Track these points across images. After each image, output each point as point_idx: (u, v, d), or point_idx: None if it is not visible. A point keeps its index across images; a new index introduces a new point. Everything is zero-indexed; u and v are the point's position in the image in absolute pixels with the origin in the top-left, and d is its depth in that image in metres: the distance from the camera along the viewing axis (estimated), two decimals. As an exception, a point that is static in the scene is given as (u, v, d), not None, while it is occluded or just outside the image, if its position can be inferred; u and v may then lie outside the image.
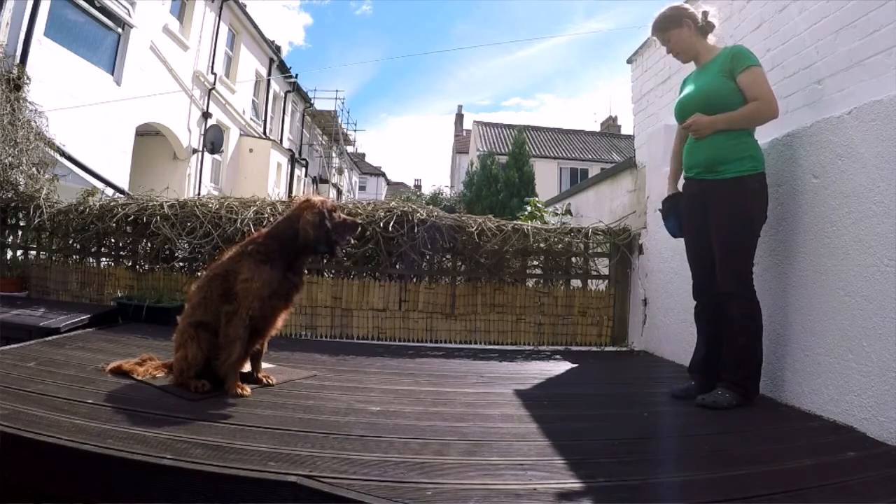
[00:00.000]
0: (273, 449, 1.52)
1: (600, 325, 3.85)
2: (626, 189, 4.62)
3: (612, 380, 2.98)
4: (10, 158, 4.46)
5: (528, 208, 6.59)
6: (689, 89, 2.40)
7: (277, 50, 15.49)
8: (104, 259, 4.16)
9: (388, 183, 41.27)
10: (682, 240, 2.50)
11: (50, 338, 2.94)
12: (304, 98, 18.15)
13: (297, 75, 16.24)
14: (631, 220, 4.11)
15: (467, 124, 30.13)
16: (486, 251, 3.78)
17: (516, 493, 1.32)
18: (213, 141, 10.57)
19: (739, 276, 2.18)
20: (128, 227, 4.01)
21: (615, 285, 3.89)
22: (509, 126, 23.83)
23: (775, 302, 2.34)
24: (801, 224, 2.25)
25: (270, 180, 12.71)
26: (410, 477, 1.38)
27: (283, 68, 15.43)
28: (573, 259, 4.00)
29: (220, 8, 11.20)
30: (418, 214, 3.76)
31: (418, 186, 40.46)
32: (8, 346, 2.64)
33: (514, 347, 3.73)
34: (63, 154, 5.37)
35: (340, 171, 23.33)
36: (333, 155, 21.83)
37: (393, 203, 3.92)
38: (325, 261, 3.77)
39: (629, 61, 4.58)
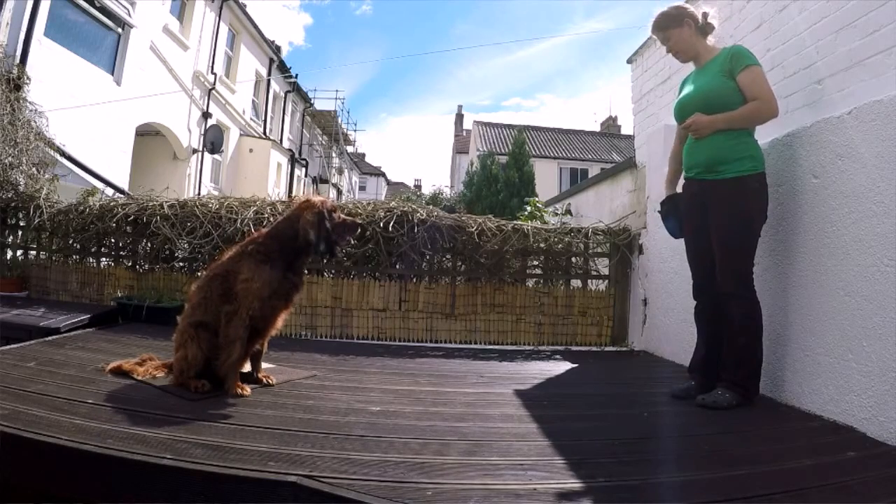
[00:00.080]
0: (273, 449, 1.52)
1: (600, 325, 3.85)
2: (626, 189, 4.62)
3: (612, 380, 2.98)
4: (10, 158, 4.46)
5: (528, 208, 6.59)
6: (688, 89, 2.40)
7: (277, 50, 15.50)
8: (104, 259, 4.16)
9: (388, 183, 41.27)
10: (682, 240, 2.50)
11: (50, 338, 2.94)
12: (304, 98, 18.15)
13: (297, 75, 16.26)
14: (631, 220, 4.11)
15: (467, 124, 30.14)
16: (486, 251, 3.78)
17: (516, 493, 1.32)
18: (213, 141, 10.57)
19: (739, 276, 2.18)
20: (128, 227, 4.01)
21: (615, 285, 3.89)
22: (509, 126, 23.83)
23: (775, 302, 2.34)
24: (801, 224, 2.25)
25: (270, 180, 12.71)
26: (410, 477, 1.38)
27: (283, 68, 15.43)
28: (573, 259, 4.00)
29: (220, 8, 11.21)
30: (418, 214, 3.76)
31: (418, 186, 40.47)
32: (8, 346, 2.64)
33: (514, 347, 3.73)
34: (63, 154, 5.37)
35: (340, 171, 23.33)
36: (333, 155, 21.83)
37: (393, 203, 3.92)
38: (325, 261, 3.77)
39: (629, 61, 4.58)
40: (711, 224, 2.25)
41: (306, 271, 3.17)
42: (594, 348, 3.79)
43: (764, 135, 2.35)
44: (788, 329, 2.27)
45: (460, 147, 28.74)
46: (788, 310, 2.28)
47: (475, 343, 3.76)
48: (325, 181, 20.30)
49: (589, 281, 3.97)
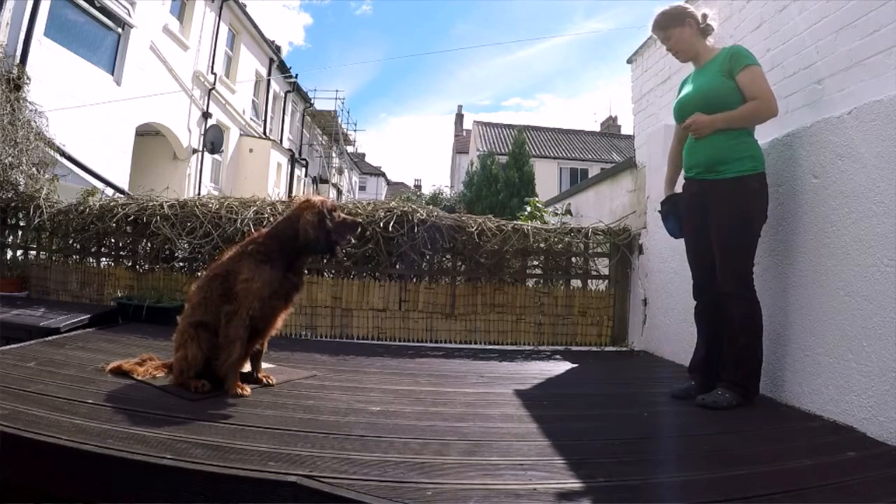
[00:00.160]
0: (273, 449, 1.52)
1: (600, 325, 3.85)
2: (626, 189, 4.61)
3: (612, 380, 2.98)
4: (10, 158, 4.46)
5: (528, 208, 6.58)
6: (687, 89, 2.40)
7: (277, 50, 15.50)
8: (104, 259, 4.16)
9: (388, 183, 41.27)
10: (682, 240, 2.50)
11: (50, 338, 2.94)
12: (304, 98, 18.15)
13: (297, 75, 16.25)
14: (631, 220, 4.11)
15: (467, 124, 30.14)
16: (486, 251, 3.78)
17: (516, 493, 1.32)
18: (213, 141, 10.57)
19: (739, 276, 2.18)
20: (128, 227, 4.01)
21: (615, 285, 3.89)
22: (509, 126, 23.83)
23: (775, 302, 2.34)
24: (801, 224, 2.25)
25: (270, 180, 12.71)
26: (410, 477, 1.38)
27: (283, 68, 15.43)
28: (573, 259, 4.00)
29: (220, 8, 11.21)
30: (418, 214, 3.76)
31: (418, 186, 40.48)
32: (8, 346, 2.64)
33: (514, 347, 3.73)
34: (63, 154, 5.37)
35: (340, 171, 23.33)
36: (333, 155, 21.83)
37: (393, 203, 3.92)
38: (325, 261, 3.77)
39: (629, 61, 4.57)
40: (711, 224, 2.25)
41: (306, 271, 3.17)
42: (594, 348, 3.79)
43: (764, 135, 2.35)
44: (788, 329, 2.27)
45: (460, 147, 28.75)
46: (788, 310, 2.28)
47: (475, 343, 3.76)
48: (325, 181, 20.30)
49: (589, 281, 3.97)
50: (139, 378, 2.17)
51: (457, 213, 4.32)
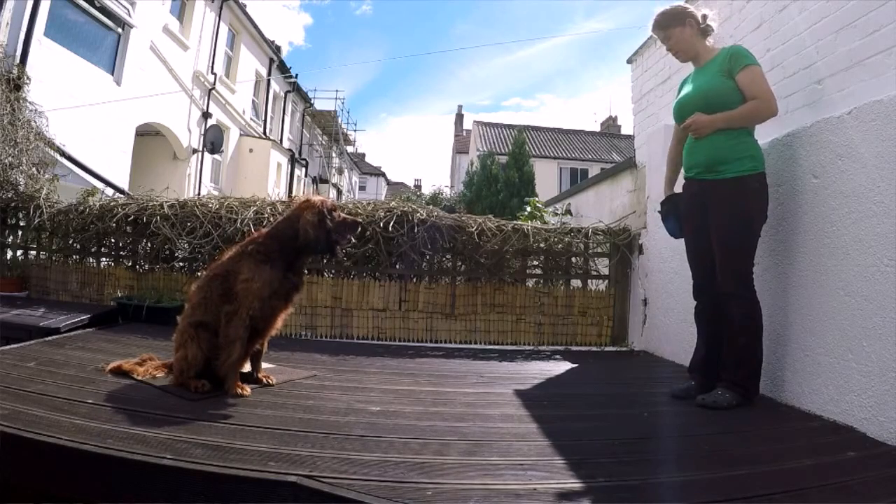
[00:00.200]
0: (273, 449, 1.52)
1: (600, 325, 3.85)
2: (626, 189, 4.61)
3: (612, 380, 2.98)
4: (10, 158, 4.46)
5: (528, 208, 6.58)
6: (687, 89, 2.40)
7: (277, 50, 15.49)
8: (104, 259, 4.16)
9: (388, 183, 41.27)
10: (682, 240, 2.50)
11: (50, 338, 2.94)
12: (304, 98, 18.15)
13: (297, 75, 16.25)
14: (631, 220, 4.11)
15: (467, 124, 30.14)
16: (486, 251, 3.78)
17: (516, 493, 1.32)
18: (213, 141, 10.57)
19: (739, 276, 2.18)
20: (128, 227, 4.01)
21: (615, 285, 3.89)
22: (509, 126, 23.83)
23: (775, 302, 2.34)
24: (801, 224, 2.25)
25: (270, 180, 12.71)
26: (410, 477, 1.38)
27: (283, 68, 15.43)
28: (573, 259, 4.00)
29: (220, 8, 11.20)
30: (418, 214, 3.76)
31: (418, 186, 40.47)
32: (8, 346, 2.64)
33: (514, 347, 3.73)
34: (63, 154, 5.37)
35: (340, 171, 23.33)
36: (333, 155, 21.83)
37: (393, 203, 3.92)
38: (325, 261, 3.77)
39: (629, 61, 4.57)
40: (711, 224, 2.25)
41: (306, 271, 3.17)
42: (594, 348, 3.79)
43: (764, 135, 2.35)
44: (788, 329, 2.27)
45: (460, 147, 28.74)
46: (788, 310, 2.28)
47: (475, 343, 3.76)
48: (325, 181, 20.30)
49: (589, 281, 3.97)
50: (139, 378, 2.17)
51: (457, 213, 4.32)
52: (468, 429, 1.83)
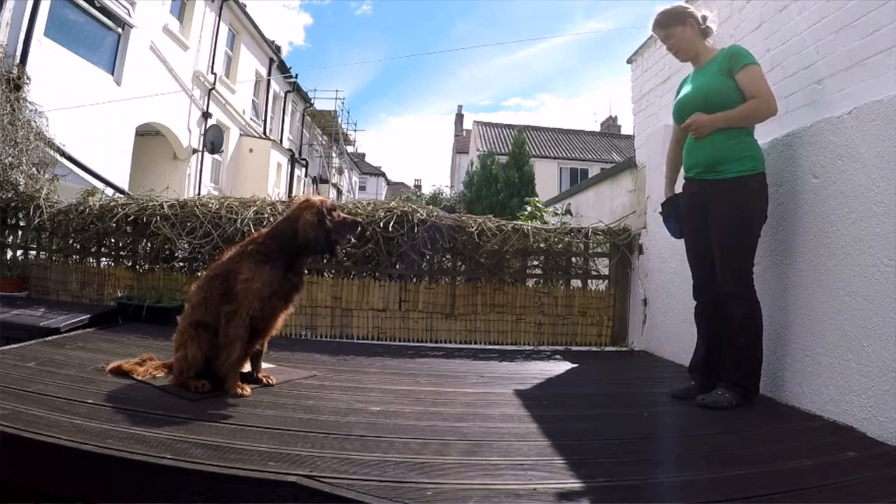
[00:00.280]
0: (273, 449, 1.52)
1: (600, 325, 3.85)
2: (626, 189, 4.61)
3: (612, 380, 2.98)
4: (10, 158, 4.46)
5: (528, 208, 6.58)
6: (687, 89, 2.40)
7: (277, 50, 15.49)
8: (104, 259, 4.16)
9: (388, 183, 41.27)
10: (682, 240, 2.50)
11: (50, 338, 2.94)
12: (304, 98, 18.15)
13: (297, 75, 16.25)
14: (631, 220, 4.11)
15: (467, 124, 30.14)
16: (486, 251, 3.78)
17: (516, 493, 1.32)
18: (213, 141, 10.57)
19: (739, 276, 2.18)
20: (128, 227, 4.01)
21: (615, 285, 3.89)
22: (509, 126, 23.83)
23: (775, 302, 2.34)
24: (801, 224, 2.25)
25: (270, 180, 12.71)
26: (410, 477, 1.38)
27: (283, 68, 15.43)
28: (573, 259, 4.00)
29: (220, 8, 11.20)
30: (418, 214, 3.76)
31: (418, 186, 40.48)
32: (8, 346, 2.64)
33: (514, 347, 3.73)
34: (63, 154, 5.37)
35: (340, 171, 23.33)
36: (333, 155, 21.83)
37: (393, 203, 3.92)
38: (325, 261, 3.77)
39: (629, 61, 4.57)
40: (711, 224, 2.25)
41: (306, 271, 3.18)
42: (594, 348, 3.79)
43: (764, 135, 2.35)
44: (788, 329, 2.27)
45: (460, 147, 28.74)
46: (788, 310, 2.28)
47: (475, 343, 3.76)
48: (325, 181, 20.30)
49: (589, 281, 3.97)
50: (139, 378, 2.17)
51: (457, 213, 4.32)
52: (468, 429, 1.83)
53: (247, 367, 2.25)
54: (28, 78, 5.34)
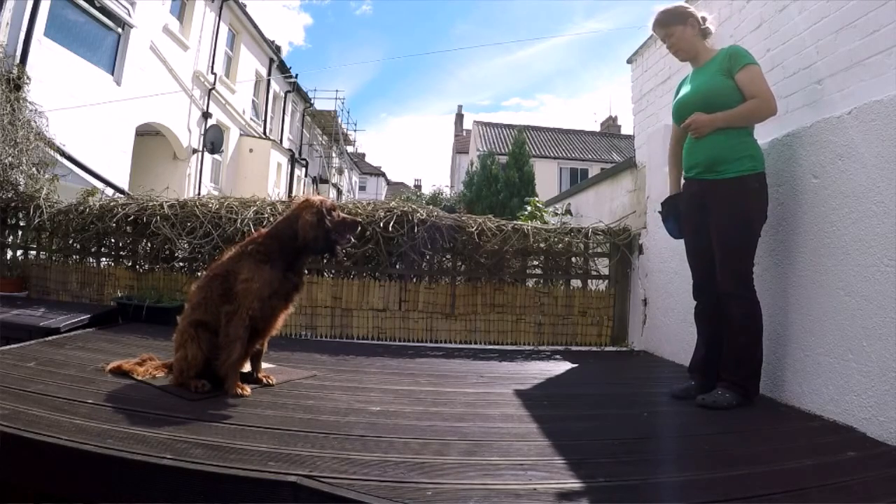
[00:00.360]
0: (273, 449, 1.52)
1: (600, 325, 3.85)
2: (626, 189, 4.62)
3: (612, 380, 2.98)
4: (10, 158, 4.46)
5: (528, 208, 6.59)
6: (686, 89, 2.40)
7: (277, 50, 15.49)
8: (104, 259, 4.16)
9: (388, 183, 41.27)
10: (682, 240, 2.50)
11: (50, 338, 2.94)
12: (304, 98, 18.15)
13: (297, 75, 16.25)
14: (631, 220, 4.11)
15: (467, 124, 30.13)
16: (486, 251, 3.78)
17: (516, 493, 1.32)
18: (213, 141, 10.57)
19: (739, 276, 2.18)
20: (128, 227, 4.01)
21: (615, 285, 3.89)
22: (509, 126, 23.82)
23: (775, 302, 2.34)
24: (801, 224, 2.25)
25: (270, 180, 12.71)
26: (410, 477, 1.38)
27: (283, 68, 15.43)
28: (573, 259, 4.00)
29: (220, 8, 11.20)
30: (418, 214, 3.76)
31: (418, 186, 40.49)
32: (8, 346, 2.64)
33: (514, 347, 3.72)
34: (63, 154, 5.37)
35: (340, 171, 23.33)
36: (333, 155, 21.83)
37: (393, 203, 3.92)
38: (325, 261, 3.77)
39: (629, 61, 4.58)
40: (711, 224, 2.25)
41: (306, 271, 3.18)
42: (594, 348, 3.79)
43: (764, 134, 2.35)
44: (788, 329, 2.27)
45: (460, 147, 28.74)
46: (788, 310, 2.28)
47: (475, 343, 3.76)
48: (325, 181, 20.30)
49: (589, 281, 3.97)
50: (139, 378, 2.17)
51: (457, 213, 4.33)
52: (468, 429, 1.83)
53: (247, 367, 2.25)
54: (28, 78, 5.34)
